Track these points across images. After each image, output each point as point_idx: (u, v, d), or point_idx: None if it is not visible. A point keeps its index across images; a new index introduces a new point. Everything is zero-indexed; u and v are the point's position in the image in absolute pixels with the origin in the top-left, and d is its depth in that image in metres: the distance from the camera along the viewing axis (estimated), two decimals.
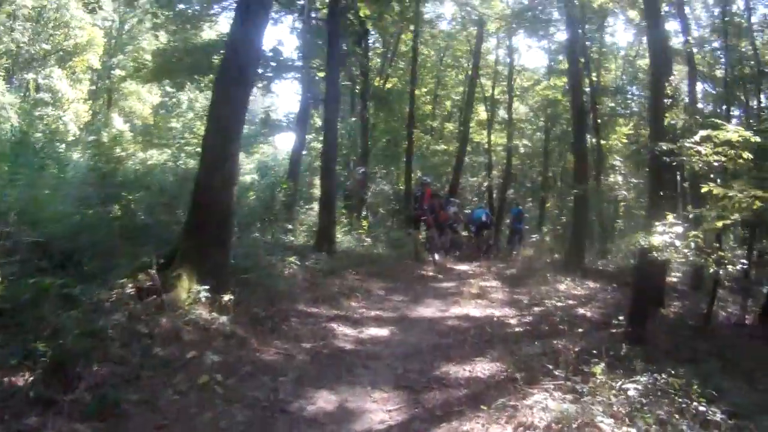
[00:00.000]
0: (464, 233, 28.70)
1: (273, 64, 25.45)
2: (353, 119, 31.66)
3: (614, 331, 12.70)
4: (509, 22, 32.40)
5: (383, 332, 11.83)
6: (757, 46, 23.42)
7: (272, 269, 14.08)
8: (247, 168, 34.23)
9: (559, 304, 15.25)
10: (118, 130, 35.56)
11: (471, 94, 36.60)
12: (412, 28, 32.19)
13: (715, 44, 25.90)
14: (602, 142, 30.22)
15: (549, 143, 37.93)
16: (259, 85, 26.37)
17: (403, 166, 33.63)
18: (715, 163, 12.38)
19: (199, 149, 15.60)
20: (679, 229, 11.50)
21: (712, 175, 14.25)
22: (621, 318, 13.16)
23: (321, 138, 26.01)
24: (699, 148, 12.12)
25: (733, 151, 11.75)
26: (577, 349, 10.62)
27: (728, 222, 11.63)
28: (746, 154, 11.84)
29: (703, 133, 12.00)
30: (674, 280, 21.90)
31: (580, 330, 12.07)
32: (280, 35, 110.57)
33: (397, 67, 37.61)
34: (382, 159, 35.02)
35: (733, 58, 23.83)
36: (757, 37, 23.74)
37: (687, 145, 12.50)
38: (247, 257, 13.88)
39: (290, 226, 20.60)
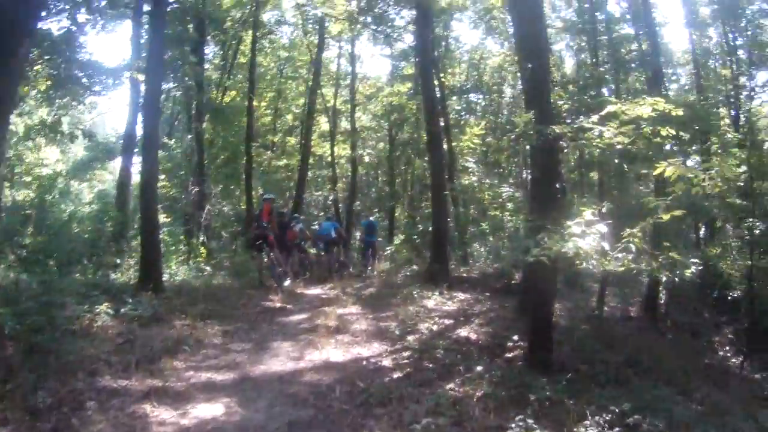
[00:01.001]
0: (312, 251, 25.56)
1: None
2: (189, 136, 27.94)
3: (511, 355, 11.45)
4: (353, 21, 29.91)
5: (216, 410, 8.21)
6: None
7: (73, 326, 10.63)
8: (87, 199, 29.69)
9: (434, 327, 13.45)
10: None
11: (312, 105, 33.44)
12: (251, 33, 30.10)
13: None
14: (453, 143, 28.29)
15: (394, 151, 35.65)
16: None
17: (244, 185, 29.78)
18: (618, 146, 10.65)
19: None
20: (603, 228, 8.61)
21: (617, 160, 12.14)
22: (515, 338, 12.10)
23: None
24: (601, 128, 10.07)
25: (649, 129, 10.06)
26: (480, 395, 8.70)
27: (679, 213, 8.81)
28: (666, 130, 10.04)
29: (611, 108, 10.00)
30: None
31: (474, 365, 10.23)
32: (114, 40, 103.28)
33: (236, 80, 34.60)
34: (222, 178, 31.23)
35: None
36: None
37: (587, 125, 10.36)
38: (44, 312, 10.57)
39: (118, 261, 17.60)
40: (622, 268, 8.64)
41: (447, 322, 14.03)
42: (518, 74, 30.87)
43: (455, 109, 32.40)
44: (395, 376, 9.70)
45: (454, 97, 32.91)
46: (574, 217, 8.99)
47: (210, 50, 34.02)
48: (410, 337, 12.28)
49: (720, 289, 19.10)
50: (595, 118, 10.23)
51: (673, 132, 9.93)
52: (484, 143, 32.00)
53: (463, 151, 29.33)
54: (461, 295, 17.37)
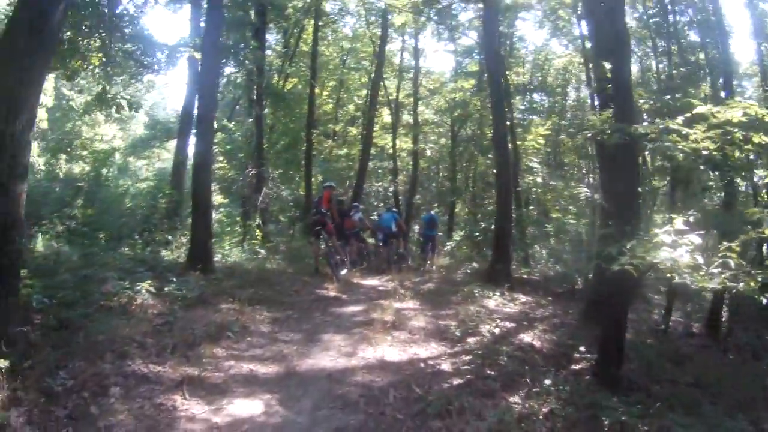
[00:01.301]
0: (371, 241, 24.53)
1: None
2: (250, 120, 26.75)
3: (577, 367, 10.46)
4: (417, 13, 29.14)
5: (254, 407, 7.19)
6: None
7: (110, 303, 9.72)
8: (146, 175, 29.07)
9: (496, 330, 12.15)
10: None
11: (374, 95, 32.29)
12: (312, 21, 29.30)
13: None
14: (518, 143, 26.91)
15: (456, 146, 34.34)
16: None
17: (304, 170, 29.10)
18: (704, 151, 9.40)
19: None
20: (696, 239, 7.42)
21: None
22: (582, 349, 11.13)
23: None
24: (688, 130, 9.09)
25: (740, 135, 8.94)
26: (547, 411, 7.74)
27: None
28: (759, 137, 8.91)
29: (701, 109, 8.87)
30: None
31: (540, 376, 9.13)
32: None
33: (298, 68, 33.64)
34: (282, 163, 30.29)
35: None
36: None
37: (673, 126, 9.20)
38: (80, 286, 9.87)
39: (170, 239, 16.87)
40: (719, 286, 7.39)
41: (509, 325, 12.89)
42: (584, 76, 30.93)
43: (519, 109, 31.28)
44: (455, 382, 8.58)
45: (518, 97, 31.70)
46: (656, 226, 8.10)
47: (272, 37, 34.00)
48: (471, 339, 11.19)
49: None
50: (680, 119, 9.17)
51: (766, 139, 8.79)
52: (548, 143, 31.06)
53: (527, 151, 28.20)
54: (523, 298, 16.29)
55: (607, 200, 11.03)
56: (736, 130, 8.88)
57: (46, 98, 37.85)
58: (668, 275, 7.60)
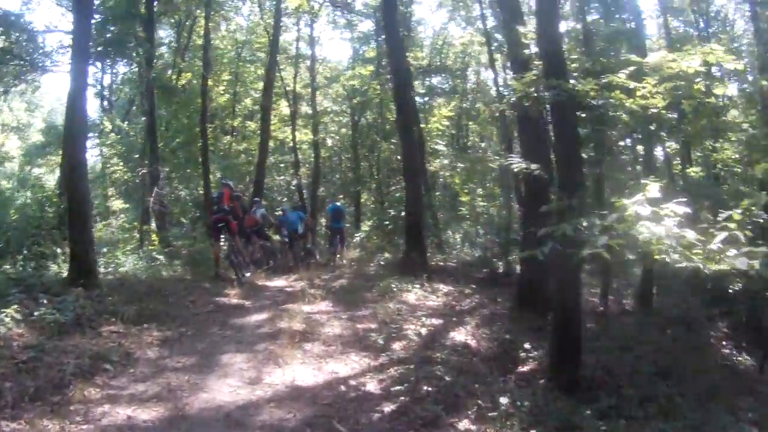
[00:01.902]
0: (276, 238, 22.40)
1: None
2: (143, 119, 25.20)
3: (526, 369, 9.30)
4: None
5: None
6: None
7: None
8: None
9: (422, 330, 10.64)
10: None
11: (269, 85, 29.87)
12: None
13: None
14: (422, 125, 25.86)
15: (357, 134, 33.07)
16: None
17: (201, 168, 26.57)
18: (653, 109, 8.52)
19: None
20: (680, 209, 5.83)
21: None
22: (527, 347, 10.06)
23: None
24: (636, 84, 8.17)
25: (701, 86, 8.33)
26: None
27: None
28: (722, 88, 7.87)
29: (654, 58, 7.96)
30: None
31: (488, 388, 7.72)
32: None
33: (192, 62, 31.71)
34: (178, 162, 28.17)
35: None
36: None
37: (618, 80, 8.15)
38: None
39: (59, 251, 14.53)
40: (725, 267, 5.57)
41: (436, 322, 11.35)
42: (484, 58, 29.95)
43: (419, 93, 30.10)
44: (386, 409, 6.86)
45: (418, 81, 30.49)
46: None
47: (165, 33, 33.44)
48: (396, 345, 9.57)
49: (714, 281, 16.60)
50: (623, 73, 8.04)
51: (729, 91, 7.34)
52: (452, 126, 29.70)
53: (431, 134, 26.90)
54: (443, 287, 14.79)
55: (534, 171, 9.22)
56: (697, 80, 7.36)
57: None
58: (652, 256, 5.88)
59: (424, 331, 10.48)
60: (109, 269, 14.76)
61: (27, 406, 6.33)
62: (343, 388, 7.49)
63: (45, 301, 9.64)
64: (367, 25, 33.27)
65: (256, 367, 8.16)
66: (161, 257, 17.73)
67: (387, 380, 7.82)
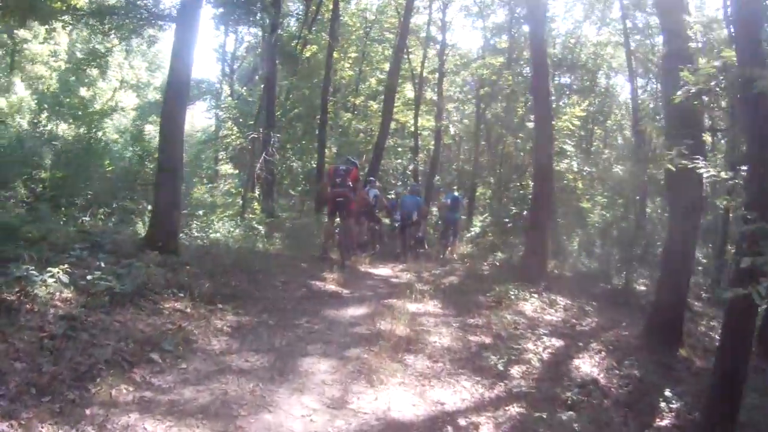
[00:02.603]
0: (386, 221, 20.71)
1: None
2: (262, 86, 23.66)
3: (665, 423, 7.38)
4: None
5: None
6: None
7: None
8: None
9: (543, 353, 8.64)
10: (19, 97, 26.91)
11: (397, 64, 27.67)
12: None
13: None
14: (551, 122, 22.61)
15: (481, 125, 30.88)
16: None
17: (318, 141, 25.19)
18: None
19: None
20: None
21: None
22: (667, 394, 7.95)
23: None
24: None
25: None
26: None
27: None
28: None
29: None
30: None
31: None
32: None
33: (319, 36, 29.81)
34: (294, 132, 26.68)
35: None
36: None
37: None
38: None
39: (150, 208, 12.63)
40: None
41: (557, 343, 9.24)
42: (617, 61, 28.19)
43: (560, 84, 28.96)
44: None
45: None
46: None
47: (294, 6, 32.63)
48: (515, 370, 7.60)
49: None
50: None
51: None
52: (582, 127, 27.65)
53: (561, 132, 24.30)
54: (561, 300, 12.52)
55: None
56: None
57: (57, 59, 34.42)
58: None
59: (545, 354, 8.46)
60: (200, 234, 13.27)
61: (30, 401, 4.61)
62: (449, 429, 5.52)
63: (104, 264, 7.79)
64: (500, 17, 32.23)
65: (342, 383, 6.20)
66: (261, 227, 16.08)
67: (506, 424, 5.84)
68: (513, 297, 11.48)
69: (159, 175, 10.74)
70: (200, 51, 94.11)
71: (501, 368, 7.39)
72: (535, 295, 12.12)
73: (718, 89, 7.88)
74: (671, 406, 7.63)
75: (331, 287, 10.98)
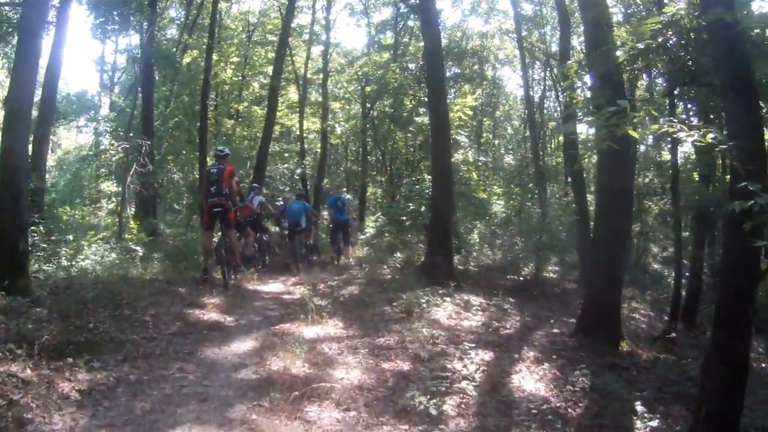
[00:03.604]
0: (274, 229, 18.86)
1: None
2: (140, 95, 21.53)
3: None
4: None
5: None
6: None
7: None
8: None
9: (475, 372, 7.06)
10: None
11: (280, 62, 25.55)
12: None
13: None
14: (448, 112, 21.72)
15: (368, 124, 29.10)
16: None
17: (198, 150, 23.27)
18: None
19: None
20: None
21: None
22: (639, 408, 6.57)
23: None
24: None
25: None
26: None
27: None
28: None
29: None
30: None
31: None
32: None
33: (200, 42, 28.18)
34: (173, 143, 25.13)
35: None
36: None
37: None
38: None
39: None
40: None
41: (486, 356, 7.78)
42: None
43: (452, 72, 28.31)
44: None
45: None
46: None
47: (176, 13, 31.11)
48: (448, 405, 5.95)
49: None
50: None
51: None
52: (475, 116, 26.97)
53: (453, 124, 23.07)
54: (475, 300, 11.27)
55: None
56: None
57: None
58: None
59: (477, 374, 6.90)
60: (68, 264, 11.29)
61: None
62: None
63: None
64: (385, 14, 31.83)
65: None
66: (139, 249, 14.08)
67: None
68: (424, 304, 9.99)
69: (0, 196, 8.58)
70: (77, 62, 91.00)
71: (431, 409, 5.66)
72: (447, 299, 10.75)
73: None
74: (650, 425, 6.20)
75: (212, 315, 9.09)
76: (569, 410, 6.26)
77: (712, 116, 10.51)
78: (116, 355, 6.57)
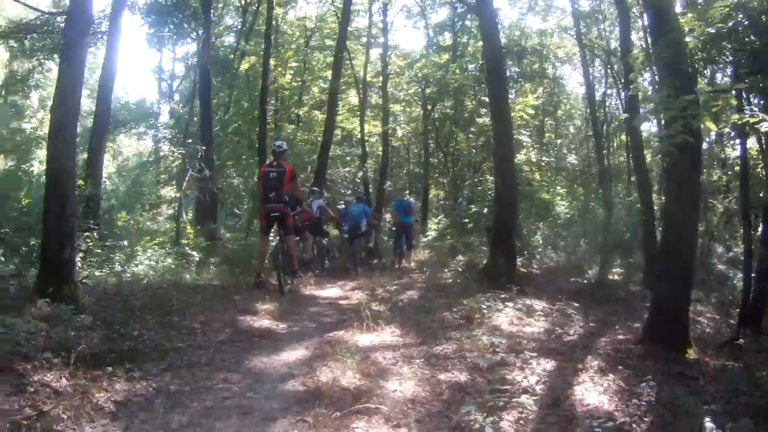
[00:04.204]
0: (334, 233, 18.93)
1: None
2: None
3: None
4: None
5: None
6: None
7: None
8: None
9: (536, 384, 6.35)
10: None
11: (338, 66, 25.55)
12: None
13: None
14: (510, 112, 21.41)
15: (429, 125, 29.04)
16: None
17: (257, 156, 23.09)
18: None
19: None
20: None
21: None
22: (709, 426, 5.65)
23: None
24: None
25: None
26: None
27: None
28: None
29: None
30: None
31: None
32: None
33: (257, 48, 28.20)
34: (233, 148, 25.50)
35: None
36: None
37: None
38: None
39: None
40: None
41: (548, 366, 7.19)
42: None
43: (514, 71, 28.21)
44: None
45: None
46: None
47: (232, 20, 31.35)
48: (506, 422, 5.38)
49: None
50: None
51: None
52: (537, 116, 27.30)
53: (515, 123, 22.59)
54: (538, 305, 10.76)
55: None
56: None
57: None
58: None
59: (538, 386, 6.33)
60: (121, 269, 11.01)
61: None
62: None
63: None
64: (441, 15, 32.11)
65: None
66: (195, 254, 13.83)
67: None
68: (485, 309, 9.51)
69: (46, 206, 8.32)
70: (137, 71, 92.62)
71: (487, 428, 5.19)
72: (509, 303, 10.20)
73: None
74: None
75: (265, 322, 8.77)
76: (634, 425, 5.76)
77: None
78: (159, 364, 6.25)
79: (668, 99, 6.02)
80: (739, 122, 5.00)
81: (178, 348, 6.89)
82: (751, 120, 4.80)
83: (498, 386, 6.13)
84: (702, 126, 6.02)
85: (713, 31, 6.94)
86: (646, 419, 5.99)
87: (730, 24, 6.91)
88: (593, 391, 6.49)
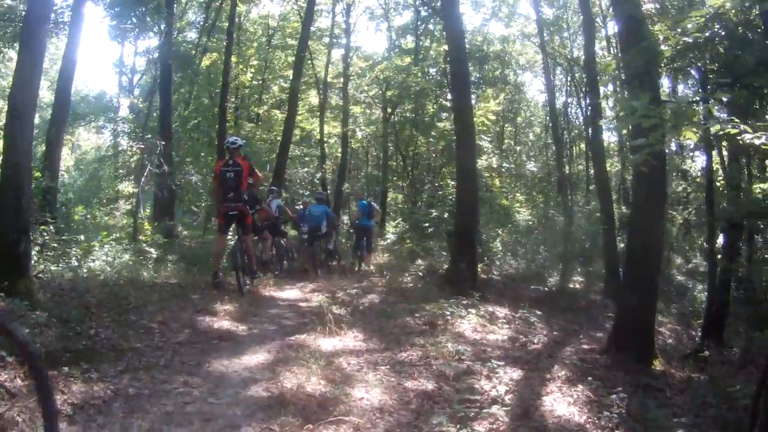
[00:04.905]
0: (292, 233, 18.60)
1: None
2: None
3: None
4: None
5: None
6: None
7: None
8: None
9: (504, 393, 6.28)
10: None
11: (299, 65, 25.13)
12: None
13: None
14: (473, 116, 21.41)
15: (389, 128, 29.15)
16: None
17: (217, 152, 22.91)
18: None
19: None
20: None
21: None
22: None
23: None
24: None
25: None
26: None
27: None
28: None
29: None
30: None
31: None
32: None
33: (220, 44, 28.19)
34: (192, 145, 25.36)
35: None
36: None
37: None
38: None
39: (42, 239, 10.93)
40: None
41: (515, 375, 7.17)
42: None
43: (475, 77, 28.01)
44: None
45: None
46: None
47: (195, 16, 31.33)
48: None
49: None
50: None
51: None
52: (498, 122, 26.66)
53: (476, 128, 22.66)
54: (500, 311, 10.85)
55: None
56: None
57: None
58: None
59: (507, 396, 6.21)
60: (76, 265, 10.57)
61: None
62: None
63: None
64: (405, 18, 32.41)
65: None
66: (153, 251, 13.49)
67: None
68: (448, 316, 9.41)
69: (1, 194, 8.04)
70: (97, 65, 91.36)
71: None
72: (472, 310, 10.16)
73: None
74: None
75: (224, 323, 8.49)
76: None
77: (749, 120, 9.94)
78: (117, 365, 5.96)
79: (649, 107, 5.92)
80: (721, 133, 4.89)
81: (136, 348, 6.62)
82: (732, 131, 4.70)
83: (467, 396, 6.01)
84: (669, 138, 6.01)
85: (690, 40, 6.88)
86: (613, 430, 5.91)
87: (707, 34, 6.85)
88: (563, 402, 6.42)
